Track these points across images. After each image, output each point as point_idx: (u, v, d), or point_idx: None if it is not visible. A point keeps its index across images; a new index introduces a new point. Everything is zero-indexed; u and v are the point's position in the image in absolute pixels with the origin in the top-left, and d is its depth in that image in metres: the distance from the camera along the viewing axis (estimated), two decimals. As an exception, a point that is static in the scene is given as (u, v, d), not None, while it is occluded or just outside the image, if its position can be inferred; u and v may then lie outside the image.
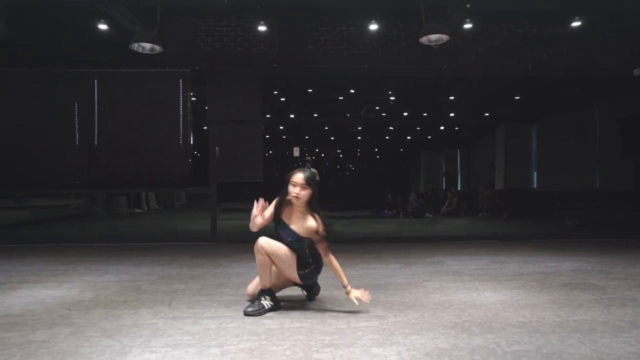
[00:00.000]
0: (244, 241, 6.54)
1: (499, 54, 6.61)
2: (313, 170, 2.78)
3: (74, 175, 6.59)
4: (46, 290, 3.70)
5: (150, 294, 3.60)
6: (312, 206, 3.14)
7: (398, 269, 4.58)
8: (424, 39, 5.42)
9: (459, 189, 18.78)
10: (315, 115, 11.08)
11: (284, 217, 3.18)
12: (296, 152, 6.23)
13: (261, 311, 3.00)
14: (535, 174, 12.91)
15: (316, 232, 3.08)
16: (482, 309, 3.12)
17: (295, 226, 3.14)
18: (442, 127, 14.18)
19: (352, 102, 10.07)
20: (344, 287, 3.11)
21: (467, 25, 6.04)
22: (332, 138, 15.85)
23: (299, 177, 3.08)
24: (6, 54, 6.54)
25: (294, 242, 3.12)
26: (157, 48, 5.50)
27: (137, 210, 14.67)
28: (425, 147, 20.19)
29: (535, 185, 12.88)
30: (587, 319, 2.87)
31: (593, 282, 3.94)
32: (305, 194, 3.07)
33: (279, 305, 3.12)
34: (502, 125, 12.41)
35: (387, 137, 16.22)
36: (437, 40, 5.41)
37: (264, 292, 3.10)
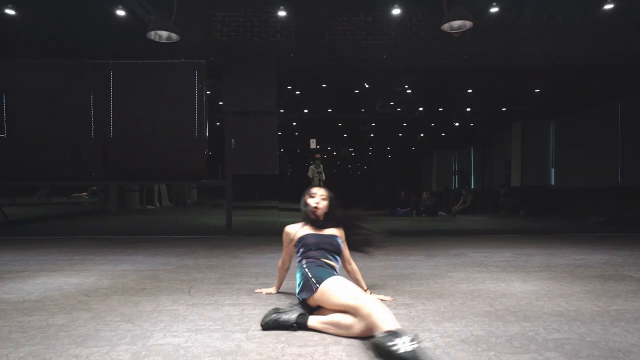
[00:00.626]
0: (259, 234, 6.50)
1: (521, 43, 6.43)
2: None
3: (89, 167, 6.56)
4: (64, 278, 3.64)
5: (169, 282, 3.52)
6: (331, 219, 2.96)
7: (420, 261, 4.45)
8: (445, 26, 5.28)
9: (472, 187, 18.56)
10: (330, 110, 10.96)
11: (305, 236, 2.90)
12: (312, 143, 6.12)
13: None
14: (552, 170, 12.65)
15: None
16: (513, 298, 2.98)
17: (326, 232, 2.91)
18: (456, 124, 13.97)
19: (367, 97, 9.93)
20: (364, 291, 2.95)
21: (494, 10, 5.86)
22: (344, 135, 15.70)
23: (317, 189, 2.99)
24: (24, 44, 6.53)
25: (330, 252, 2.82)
26: (174, 36, 5.43)
27: (149, 206, 14.70)
28: (438, 146, 19.97)
29: (552, 182, 12.62)
30: (629, 309, 2.72)
31: (627, 273, 3.77)
32: (325, 204, 2.93)
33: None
34: (518, 122, 12.18)
35: (400, 135, 16.02)
36: (459, 27, 5.26)
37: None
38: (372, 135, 15.71)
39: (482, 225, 8.58)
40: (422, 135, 16.60)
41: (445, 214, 12.24)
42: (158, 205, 15.40)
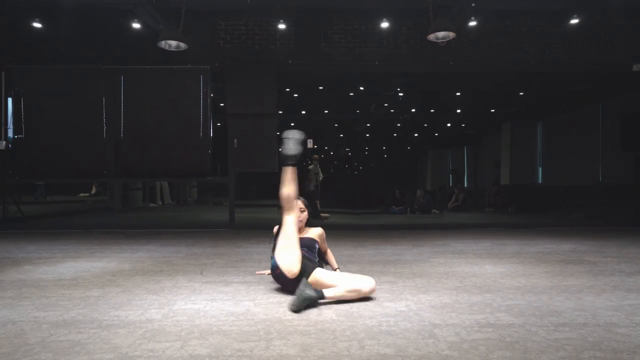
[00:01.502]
0: (260, 228, 6.98)
1: (503, 50, 6.93)
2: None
3: (101, 165, 7.02)
4: (89, 263, 4.11)
5: (182, 266, 4.00)
6: (309, 224, 3.44)
7: (406, 249, 4.93)
8: (431, 36, 5.77)
9: (465, 186, 19.08)
10: (326, 111, 11.45)
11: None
12: (310, 143, 6.56)
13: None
14: (540, 169, 13.17)
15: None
16: (482, 277, 3.47)
17: (308, 235, 3.36)
18: (449, 124, 14.47)
19: (362, 99, 10.42)
20: (334, 269, 3.46)
21: (472, 23, 6.37)
22: (341, 135, 16.19)
23: (300, 203, 3.32)
24: (41, 51, 6.99)
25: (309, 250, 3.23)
26: (183, 45, 5.91)
27: (152, 204, 15.15)
28: (433, 146, 20.49)
29: (540, 181, 13.14)
30: (576, 284, 3.21)
31: (587, 259, 4.27)
32: (305, 215, 3.38)
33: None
34: (507, 122, 12.69)
35: (395, 135, 16.52)
36: (444, 37, 5.75)
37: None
38: (367, 135, 16.21)
39: (470, 220, 9.08)
40: (416, 135, 17.11)
41: (438, 211, 12.74)
42: (160, 203, 15.86)
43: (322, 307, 2.64)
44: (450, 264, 4.02)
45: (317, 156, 11.46)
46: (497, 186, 13.29)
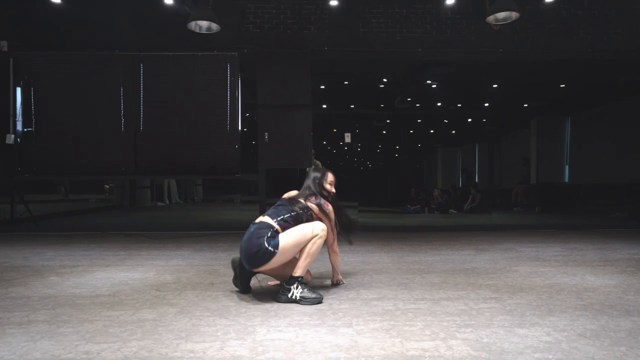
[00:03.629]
0: None
1: (556, 36, 6.38)
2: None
3: (120, 162, 6.44)
4: (123, 273, 3.53)
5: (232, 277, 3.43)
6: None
7: (472, 255, 4.39)
8: (490, 18, 5.21)
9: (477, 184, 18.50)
10: (352, 106, 10.89)
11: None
12: (347, 138, 6.03)
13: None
14: (567, 167, 12.65)
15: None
16: (598, 292, 2.92)
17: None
18: (469, 120, 13.93)
19: (390, 91, 9.85)
20: (336, 280, 3.20)
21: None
22: (357, 131, 15.62)
23: (332, 176, 3.18)
24: (53, 35, 6.38)
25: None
26: (214, 27, 5.32)
27: (159, 203, 14.58)
28: (443, 143, 19.92)
29: (566, 180, 12.62)
30: None
31: (694, 267, 3.73)
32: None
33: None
34: (535, 118, 12.15)
35: (411, 131, 15.98)
36: (505, 19, 5.19)
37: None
38: (384, 132, 15.66)
39: (506, 221, 8.55)
40: (432, 131, 16.57)
41: (455, 211, 12.22)
42: (167, 201, 15.27)
43: (453, 339, 2.09)
44: (543, 275, 3.47)
45: (317, 161, 10.85)
46: (525, 184, 12.72)
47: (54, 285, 3.12)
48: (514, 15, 5.11)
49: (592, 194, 10.99)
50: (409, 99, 11.06)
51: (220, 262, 4.06)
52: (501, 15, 5.18)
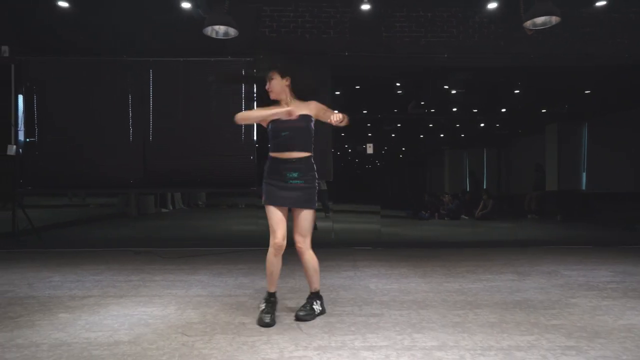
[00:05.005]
0: (326, 246, 5.88)
1: (592, 41, 6.04)
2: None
3: (128, 174, 6.08)
4: (140, 308, 3.17)
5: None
6: (301, 94, 2.98)
7: (516, 281, 4.03)
8: (528, 23, 4.86)
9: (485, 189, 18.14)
10: (365, 111, 10.53)
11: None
12: (369, 149, 5.69)
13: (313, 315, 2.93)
14: (584, 174, 12.30)
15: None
16: (686, 337, 2.57)
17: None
18: (482, 124, 13.59)
19: (404, 97, 9.51)
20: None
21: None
22: (369, 134, 15.23)
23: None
24: (57, 40, 6.01)
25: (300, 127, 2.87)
26: (232, 32, 4.97)
27: (163, 209, 14.23)
28: (451, 146, 19.53)
29: (583, 187, 12.27)
30: None
31: None
32: (276, 83, 2.91)
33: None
34: (552, 123, 11.80)
35: (421, 136, 15.61)
36: (543, 23, 4.85)
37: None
38: (393, 135, 15.30)
39: (530, 233, 8.21)
40: (442, 135, 16.22)
41: (467, 217, 11.88)
42: (171, 207, 14.91)
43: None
44: (609, 310, 3.11)
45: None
46: (538, 191, 12.36)
47: (65, 327, 2.76)
48: (554, 19, 4.76)
49: (609, 202, 10.65)
50: (422, 103, 10.72)
51: (243, 290, 3.71)
52: (540, 20, 4.83)
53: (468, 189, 18.93)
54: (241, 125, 6.02)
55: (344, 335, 2.63)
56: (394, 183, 23.59)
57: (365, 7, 5.91)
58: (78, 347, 2.42)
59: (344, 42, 6.07)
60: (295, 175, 2.85)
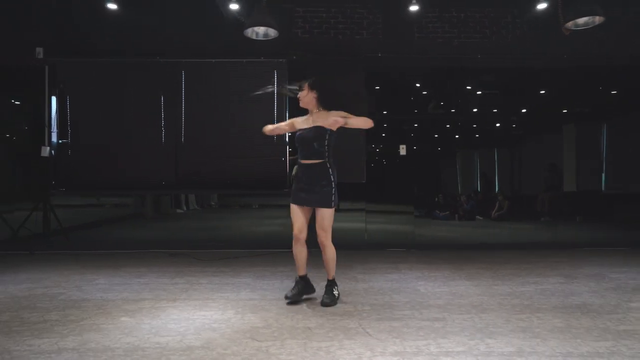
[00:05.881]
0: (346, 248, 5.85)
1: (626, 41, 5.99)
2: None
3: (160, 175, 6.07)
4: (197, 312, 3.16)
5: (324, 316, 3.05)
6: (327, 106, 3.55)
7: (566, 284, 3.99)
8: (570, 24, 4.82)
9: (497, 190, 18.07)
10: (385, 112, 10.47)
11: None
12: (402, 150, 5.66)
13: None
14: (603, 175, 12.21)
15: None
16: None
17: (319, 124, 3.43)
18: (497, 124, 13.51)
19: (426, 98, 9.45)
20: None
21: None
22: (383, 135, 15.22)
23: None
24: (90, 42, 6.00)
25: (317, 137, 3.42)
26: (272, 33, 4.94)
27: (178, 210, 14.20)
28: (462, 146, 19.45)
29: (603, 188, 12.19)
30: None
31: None
32: (304, 94, 3.47)
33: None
34: (570, 123, 11.72)
35: (436, 136, 15.55)
36: (585, 24, 4.80)
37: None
38: (412, 134, 15.26)
39: (552, 235, 8.17)
40: (457, 137, 16.15)
41: (482, 218, 11.82)
42: (185, 208, 14.94)
43: None
44: (674, 315, 3.08)
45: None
46: (551, 192, 12.29)
47: (132, 331, 2.75)
48: (598, 19, 4.71)
49: (630, 202, 10.57)
50: (442, 103, 10.66)
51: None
52: (582, 20, 4.79)
53: (479, 190, 18.88)
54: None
55: (415, 340, 2.61)
56: (420, 183, 23.48)
57: (397, 7, 5.88)
58: (153, 352, 2.41)
59: (377, 43, 6.04)
60: (311, 179, 3.38)
